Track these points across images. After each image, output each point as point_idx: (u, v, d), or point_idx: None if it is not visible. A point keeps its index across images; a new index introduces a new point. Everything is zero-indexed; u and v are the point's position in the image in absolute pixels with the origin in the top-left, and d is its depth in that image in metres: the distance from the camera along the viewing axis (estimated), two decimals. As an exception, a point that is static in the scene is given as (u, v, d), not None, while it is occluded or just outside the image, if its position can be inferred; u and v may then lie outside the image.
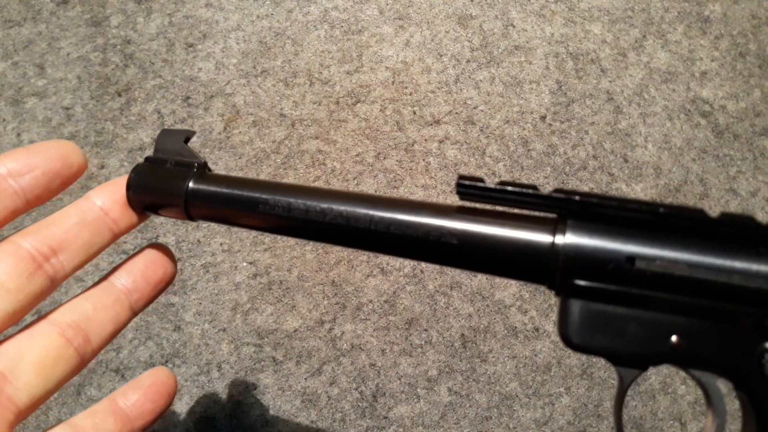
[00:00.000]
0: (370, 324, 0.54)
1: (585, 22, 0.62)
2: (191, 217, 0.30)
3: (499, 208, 0.26)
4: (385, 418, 0.52)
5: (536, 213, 0.26)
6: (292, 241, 0.55)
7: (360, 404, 0.52)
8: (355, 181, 0.57)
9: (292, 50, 0.61)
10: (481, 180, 0.25)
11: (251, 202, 0.28)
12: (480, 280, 0.54)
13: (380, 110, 0.59)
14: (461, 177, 0.25)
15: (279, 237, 0.56)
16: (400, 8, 0.62)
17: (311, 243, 0.55)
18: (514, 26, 0.62)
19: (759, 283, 0.23)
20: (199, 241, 0.56)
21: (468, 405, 0.52)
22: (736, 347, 0.24)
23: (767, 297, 0.24)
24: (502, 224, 0.26)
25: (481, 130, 0.59)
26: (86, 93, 0.60)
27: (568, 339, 0.25)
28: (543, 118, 0.59)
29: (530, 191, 0.25)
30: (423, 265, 0.55)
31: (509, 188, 0.25)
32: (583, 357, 0.53)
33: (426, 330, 0.53)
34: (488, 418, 0.52)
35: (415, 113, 0.59)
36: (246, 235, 0.56)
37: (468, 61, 0.61)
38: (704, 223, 0.24)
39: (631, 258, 0.24)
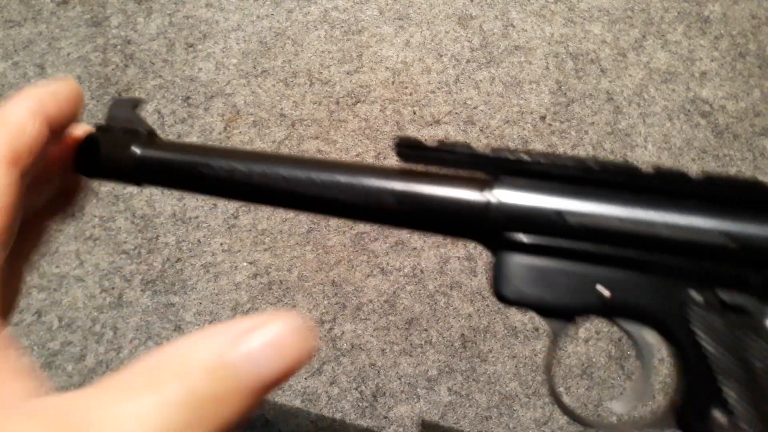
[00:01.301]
0: (370, 324, 0.54)
1: (585, 22, 0.62)
2: (138, 182, 0.30)
3: (441, 170, 0.27)
4: (385, 418, 0.52)
5: (474, 173, 0.27)
6: (292, 241, 0.55)
7: (360, 404, 0.52)
8: (355, 181, 0.57)
9: (292, 50, 0.61)
10: (419, 141, 0.26)
11: (195, 166, 0.28)
12: (480, 280, 0.54)
13: (380, 110, 0.59)
14: (399, 138, 0.26)
15: (279, 237, 0.56)
16: (400, 8, 0.62)
17: (311, 243, 0.55)
18: (514, 26, 0.62)
19: (686, 234, 0.24)
20: (199, 241, 0.56)
21: (468, 405, 0.52)
22: (662, 297, 0.25)
23: (693, 248, 0.24)
24: (439, 183, 0.27)
25: (481, 130, 0.59)
26: (86, 93, 0.60)
27: (500, 294, 0.26)
28: (543, 118, 0.59)
29: (465, 150, 0.26)
30: (423, 264, 0.55)
31: (444, 147, 0.26)
32: (583, 357, 0.53)
33: (426, 330, 0.53)
34: (488, 418, 0.52)
35: (415, 113, 0.59)
36: (246, 235, 0.56)
37: (468, 61, 0.61)
38: (637, 178, 0.25)
39: (561, 212, 0.25)
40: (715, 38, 0.62)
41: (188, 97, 0.60)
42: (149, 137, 0.30)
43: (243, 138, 0.58)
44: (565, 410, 0.28)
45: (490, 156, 0.26)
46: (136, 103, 0.31)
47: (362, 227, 0.55)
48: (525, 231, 0.25)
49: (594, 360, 0.53)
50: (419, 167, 0.27)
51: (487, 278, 0.54)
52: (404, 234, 0.55)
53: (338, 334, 0.53)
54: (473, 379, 0.52)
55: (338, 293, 0.54)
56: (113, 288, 0.55)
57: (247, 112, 0.59)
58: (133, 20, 0.63)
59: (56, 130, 0.25)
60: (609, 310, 0.25)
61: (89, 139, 0.30)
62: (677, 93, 0.60)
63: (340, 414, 0.52)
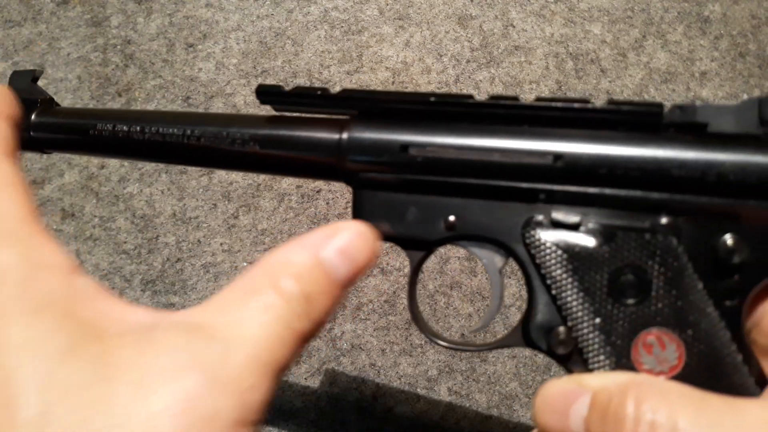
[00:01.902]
0: (370, 324, 0.54)
1: (585, 22, 0.62)
2: (40, 149, 0.32)
3: (304, 116, 0.29)
4: (385, 418, 0.52)
5: (336, 116, 0.29)
6: (292, 241, 0.55)
7: (360, 404, 0.52)
8: (355, 181, 0.57)
9: (292, 50, 0.61)
10: (278, 86, 0.28)
11: (83, 128, 0.30)
12: (480, 280, 0.54)
13: (380, 110, 0.59)
14: (260, 85, 0.28)
15: (280, 238, 0.56)
16: (400, 8, 0.62)
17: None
18: (514, 26, 0.62)
19: (519, 158, 0.26)
20: (199, 241, 0.56)
21: (468, 405, 0.52)
22: (503, 221, 0.26)
23: (525, 171, 0.26)
24: (298, 127, 0.28)
25: (481, 130, 0.59)
26: (86, 93, 0.60)
27: None
28: (543, 118, 0.59)
29: (319, 92, 0.27)
30: (423, 264, 0.55)
31: (300, 90, 0.28)
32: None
33: (426, 330, 0.53)
34: (488, 418, 0.52)
35: (415, 113, 0.59)
36: (246, 235, 0.56)
37: (468, 61, 0.61)
38: (473, 107, 0.26)
39: (405, 146, 0.27)
40: (715, 38, 0.62)
41: (188, 97, 0.60)
42: (47, 105, 0.32)
43: (243, 138, 0.58)
44: (423, 328, 0.30)
45: (342, 96, 0.27)
46: (35, 75, 0.33)
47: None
48: (374, 167, 0.27)
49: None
50: (286, 114, 0.29)
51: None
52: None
53: (338, 334, 0.53)
54: (473, 379, 0.52)
55: (338, 293, 0.54)
56: (113, 288, 0.55)
57: (247, 113, 0.59)
58: (133, 20, 0.63)
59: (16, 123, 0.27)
60: (458, 237, 0.27)
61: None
62: (677, 93, 0.60)
63: (341, 414, 0.52)
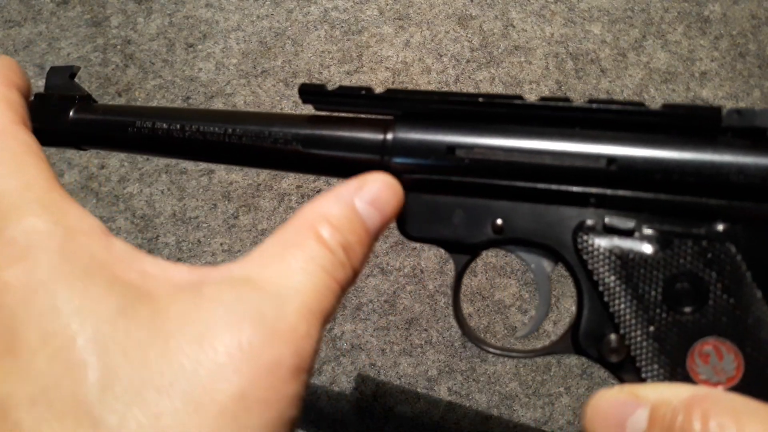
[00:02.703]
0: (370, 324, 0.54)
1: (585, 22, 0.62)
2: (77, 145, 0.32)
3: (346, 115, 0.29)
4: (385, 418, 0.52)
5: (379, 116, 0.28)
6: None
7: (360, 404, 0.52)
8: (355, 181, 0.57)
9: (292, 50, 0.61)
10: (321, 85, 0.27)
11: (122, 125, 0.30)
12: (480, 280, 0.54)
13: (380, 110, 0.59)
14: (303, 84, 0.27)
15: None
16: (400, 8, 0.62)
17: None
18: (514, 26, 0.62)
19: (571, 161, 0.25)
20: (199, 241, 0.56)
21: (468, 405, 0.52)
22: (553, 225, 0.26)
23: (576, 175, 0.25)
24: (342, 127, 0.28)
25: (481, 130, 0.59)
26: (86, 93, 0.60)
27: (404, 231, 0.27)
28: (543, 118, 0.59)
29: (363, 92, 0.27)
30: (423, 264, 0.55)
31: (343, 90, 0.27)
32: (583, 357, 0.53)
33: (426, 330, 0.53)
34: (488, 418, 0.52)
35: (415, 113, 0.59)
36: (246, 235, 0.56)
37: (468, 61, 0.61)
38: (523, 109, 0.25)
39: (452, 147, 0.26)
40: (715, 38, 0.62)
41: (188, 97, 0.60)
42: (85, 102, 0.32)
43: (243, 138, 0.58)
44: (469, 334, 0.29)
45: (385, 96, 0.27)
46: (73, 71, 0.32)
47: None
48: (420, 169, 0.27)
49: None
50: (327, 114, 0.29)
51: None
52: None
53: (338, 334, 0.53)
54: (473, 379, 0.52)
55: (338, 293, 0.54)
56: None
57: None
58: (133, 20, 0.63)
59: (25, 97, 0.27)
60: (505, 241, 0.26)
61: (29, 107, 0.31)
62: (677, 93, 0.60)
63: (340, 414, 0.52)
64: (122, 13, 0.63)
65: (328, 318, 0.21)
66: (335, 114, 0.29)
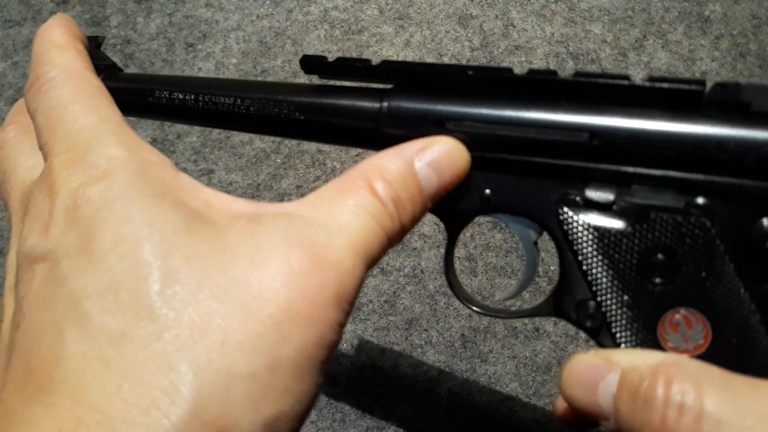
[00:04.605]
0: (370, 324, 0.54)
1: (585, 21, 0.62)
2: None
3: (347, 84, 0.30)
4: (385, 418, 0.52)
5: (376, 85, 0.29)
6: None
7: (360, 404, 0.52)
8: (355, 181, 0.57)
9: (292, 50, 0.61)
10: (322, 56, 0.28)
11: (143, 93, 0.32)
12: (480, 280, 0.54)
13: (380, 110, 0.59)
14: (305, 56, 0.29)
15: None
16: (400, 8, 0.62)
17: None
18: (514, 26, 0.62)
19: (554, 134, 0.25)
20: (199, 241, 0.56)
21: (468, 405, 0.52)
22: (537, 196, 0.27)
23: (563, 148, 0.25)
24: (341, 96, 0.29)
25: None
26: (86, 93, 0.60)
27: None
28: (543, 118, 0.59)
29: (360, 64, 0.28)
30: (423, 264, 0.55)
31: (342, 61, 0.28)
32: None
33: (426, 330, 0.53)
34: (488, 419, 0.52)
35: (415, 113, 0.59)
36: (246, 235, 0.56)
37: (468, 61, 0.61)
38: (511, 81, 0.26)
39: (441, 120, 0.27)
40: (716, 38, 0.62)
41: (188, 97, 0.60)
42: (111, 71, 0.33)
43: (242, 138, 0.58)
44: (458, 293, 0.30)
45: (382, 67, 0.27)
46: (98, 41, 0.34)
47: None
48: (411, 137, 0.27)
49: (594, 360, 0.53)
50: (329, 84, 0.30)
51: (486, 278, 0.54)
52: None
53: (338, 334, 0.53)
54: (473, 380, 0.52)
55: (338, 293, 0.54)
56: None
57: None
58: (132, 20, 0.63)
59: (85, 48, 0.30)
60: (492, 210, 0.28)
61: None
62: (678, 93, 0.60)
63: (340, 414, 0.52)
64: (122, 13, 0.63)
65: (373, 261, 0.23)
66: (338, 84, 0.30)
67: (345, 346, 0.53)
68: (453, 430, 0.51)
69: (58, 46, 0.28)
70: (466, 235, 0.55)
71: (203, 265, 0.20)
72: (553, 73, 0.25)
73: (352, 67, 0.28)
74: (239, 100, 0.30)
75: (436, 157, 0.25)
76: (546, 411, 0.52)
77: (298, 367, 0.20)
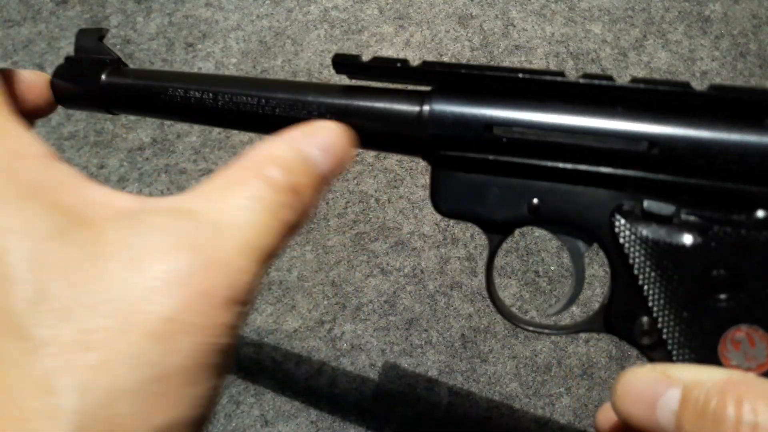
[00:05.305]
0: (370, 324, 0.54)
1: (585, 21, 0.62)
2: (109, 110, 0.31)
3: (381, 86, 0.28)
4: (385, 418, 0.52)
5: (416, 88, 0.27)
6: (292, 241, 0.55)
7: (360, 404, 0.52)
8: (355, 181, 0.57)
9: (292, 50, 0.61)
10: (355, 56, 0.27)
11: (154, 92, 0.29)
12: (480, 280, 0.54)
13: (380, 110, 0.59)
14: (336, 54, 0.27)
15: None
16: (400, 8, 0.62)
17: (311, 243, 0.55)
18: (514, 26, 0.62)
19: (611, 143, 0.24)
20: (198, 241, 0.56)
21: (468, 405, 0.52)
22: (590, 207, 0.25)
23: (616, 156, 0.24)
24: (377, 98, 0.27)
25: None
26: (86, 93, 0.60)
27: (437, 206, 0.27)
28: (543, 117, 0.59)
29: (399, 65, 0.26)
30: (423, 264, 0.55)
31: (379, 62, 0.26)
32: (584, 357, 0.53)
33: (426, 330, 0.53)
34: (488, 419, 0.52)
35: (415, 113, 0.59)
36: (246, 235, 0.56)
37: (468, 60, 0.61)
38: (564, 86, 0.24)
39: (489, 125, 0.25)
40: (716, 38, 0.62)
41: (188, 97, 0.60)
42: (116, 65, 0.31)
43: (242, 138, 0.58)
44: (503, 312, 0.29)
45: (422, 69, 0.26)
46: (101, 34, 0.32)
47: (362, 227, 0.55)
48: (456, 145, 0.26)
49: (594, 360, 0.53)
50: (361, 84, 0.28)
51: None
52: (404, 234, 0.55)
53: (338, 335, 0.53)
54: (473, 380, 0.52)
55: (338, 293, 0.54)
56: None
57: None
58: (132, 20, 0.62)
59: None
60: (540, 221, 0.26)
61: (59, 71, 0.31)
62: (678, 93, 0.60)
63: (340, 414, 0.52)
64: (121, 13, 0.63)
65: (271, 256, 0.21)
66: (370, 85, 0.28)
67: (345, 346, 0.53)
68: (453, 430, 0.51)
69: None
70: (466, 235, 0.55)
71: (78, 276, 0.18)
72: (610, 78, 0.24)
73: (390, 68, 0.26)
74: (264, 100, 0.28)
75: (324, 140, 0.24)
76: (546, 411, 0.52)
77: (190, 374, 0.19)
